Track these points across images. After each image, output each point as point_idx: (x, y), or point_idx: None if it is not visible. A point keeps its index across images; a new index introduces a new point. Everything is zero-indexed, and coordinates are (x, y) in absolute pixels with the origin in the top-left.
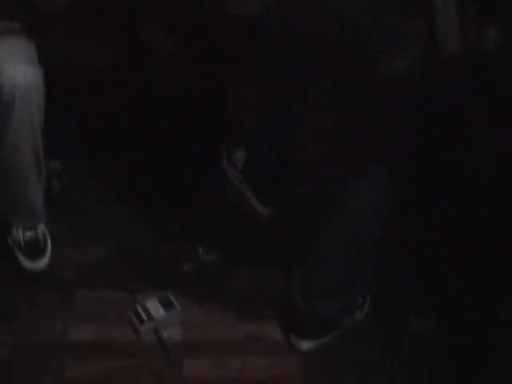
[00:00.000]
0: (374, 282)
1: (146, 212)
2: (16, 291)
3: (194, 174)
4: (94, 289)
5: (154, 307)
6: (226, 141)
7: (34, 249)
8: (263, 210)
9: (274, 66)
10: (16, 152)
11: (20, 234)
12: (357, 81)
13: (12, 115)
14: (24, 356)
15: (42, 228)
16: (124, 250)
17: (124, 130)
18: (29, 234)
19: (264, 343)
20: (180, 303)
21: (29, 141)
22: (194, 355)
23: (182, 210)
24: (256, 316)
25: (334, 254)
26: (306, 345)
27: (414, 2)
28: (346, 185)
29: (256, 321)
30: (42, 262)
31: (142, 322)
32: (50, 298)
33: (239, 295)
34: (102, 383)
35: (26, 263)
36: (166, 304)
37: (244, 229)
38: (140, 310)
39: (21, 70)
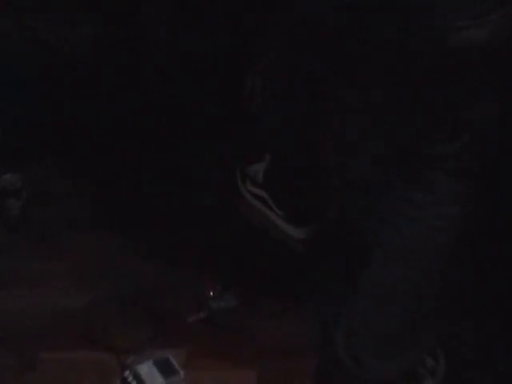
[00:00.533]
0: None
1: (138, 242)
2: None
3: (200, 193)
4: (65, 349)
5: (149, 373)
6: (239, 153)
7: None
8: (296, 233)
9: (304, 39)
10: None
11: None
12: (418, 53)
13: None
14: None
15: None
16: (109, 294)
17: (109, 131)
18: None
19: None
20: (184, 367)
21: None
22: None
23: (186, 240)
24: (287, 377)
25: (391, 295)
26: None
27: None
28: (399, 200)
29: None
30: None
31: None
32: (1, 364)
33: (263, 355)
34: None
35: None
36: (166, 369)
37: (269, 263)
38: (130, 377)
39: None
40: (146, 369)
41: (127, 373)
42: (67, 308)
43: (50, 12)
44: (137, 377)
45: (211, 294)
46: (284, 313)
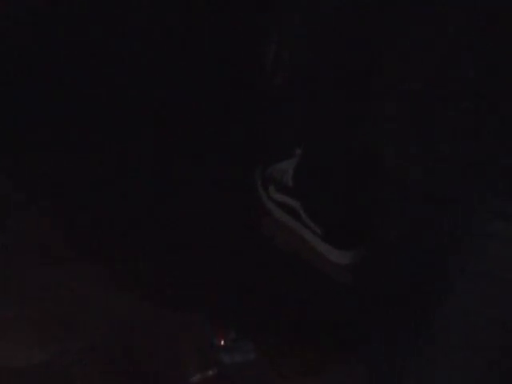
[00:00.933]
0: None
1: (120, 271)
2: None
3: (206, 205)
4: None
5: None
6: (258, 147)
7: None
8: (340, 258)
9: None
10: None
11: None
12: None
13: None
14: None
15: None
16: (79, 344)
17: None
18: None
19: None
20: None
21: None
22: None
23: (186, 268)
24: None
25: (482, 340)
26: None
27: None
28: (489, 215)
29: None
30: None
31: None
32: None
33: None
34: None
35: None
36: None
37: (300, 299)
38: None
39: None
40: None
41: None
42: (23, 364)
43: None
44: None
45: (222, 343)
46: (320, 368)
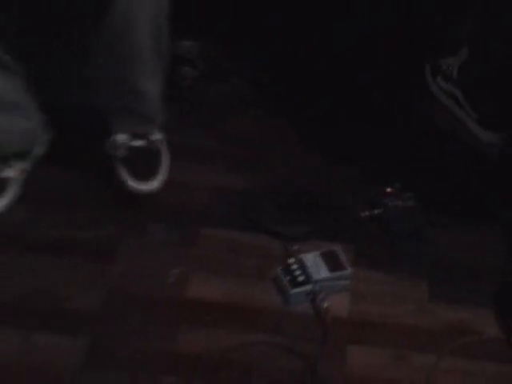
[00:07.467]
0: None
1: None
2: (116, 221)
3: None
4: (227, 228)
5: (315, 264)
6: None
7: (143, 165)
8: (490, 139)
9: None
10: (127, 23)
11: (125, 143)
12: None
13: None
14: (121, 313)
15: (156, 137)
16: (270, 179)
17: None
18: (137, 143)
19: (471, 338)
20: (352, 263)
21: (146, 10)
22: (362, 341)
23: (367, 138)
24: (462, 295)
25: None
26: None
27: None
28: None
29: (461, 304)
30: (153, 184)
31: (294, 283)
32: (164, 234)
33: (437, 268)
34: (230, 363)
35: (131, 182)
36: (332, 262)
37: (454, 167)
38: (294, 264)
39: None
40: (312, 259)
41: (292, 260)
42: (229, 188)
43: None
44: (301, 265)
45: (388, 190)
46: (464, 221)
